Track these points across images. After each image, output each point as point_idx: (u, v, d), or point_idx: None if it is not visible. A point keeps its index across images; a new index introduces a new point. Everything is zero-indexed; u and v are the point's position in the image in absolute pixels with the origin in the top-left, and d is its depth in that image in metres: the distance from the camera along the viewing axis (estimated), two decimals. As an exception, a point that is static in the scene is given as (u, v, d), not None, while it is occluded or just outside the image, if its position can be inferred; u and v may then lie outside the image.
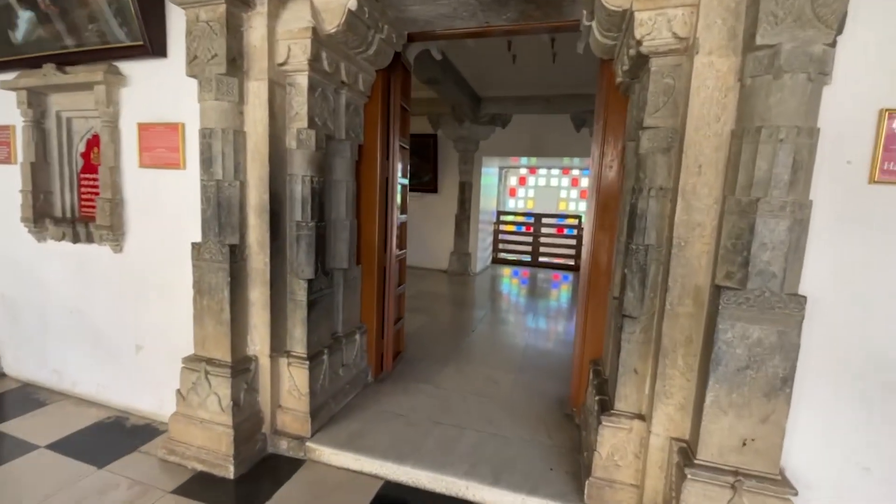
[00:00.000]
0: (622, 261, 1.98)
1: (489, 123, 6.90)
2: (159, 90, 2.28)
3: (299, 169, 2.23)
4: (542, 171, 11.53)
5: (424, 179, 7.36)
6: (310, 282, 2.29)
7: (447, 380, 3.03)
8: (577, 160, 8.51)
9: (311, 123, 2.21)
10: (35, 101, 2.54)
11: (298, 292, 2.30)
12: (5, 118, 2.61)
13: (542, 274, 8.09)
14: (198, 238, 2.13)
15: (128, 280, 2.49)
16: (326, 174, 2.48)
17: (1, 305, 2.89)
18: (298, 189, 2.23)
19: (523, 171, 11.60)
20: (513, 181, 11.59)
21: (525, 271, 8.23)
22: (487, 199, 7.99)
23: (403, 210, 3.30)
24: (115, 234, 2.42)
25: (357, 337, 2.78)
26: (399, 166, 3.05)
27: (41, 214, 2.63)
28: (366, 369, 2.92)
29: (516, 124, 6.84)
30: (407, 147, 3.25)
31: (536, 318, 4.83)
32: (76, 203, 2.68)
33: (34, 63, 2.34)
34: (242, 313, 2.19)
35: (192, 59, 2.00)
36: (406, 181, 3.31)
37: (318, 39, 2.10)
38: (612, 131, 2.41)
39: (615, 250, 2.26)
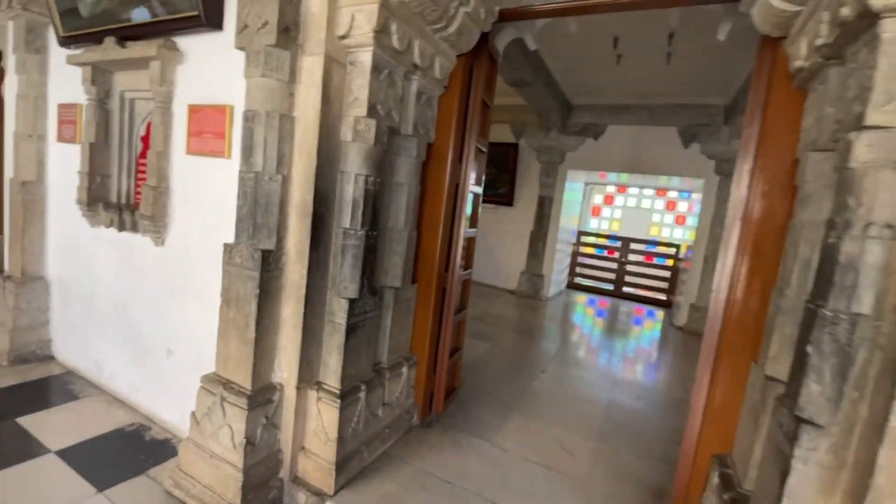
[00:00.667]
0: (787, 326, 1.31)
1: (579, 134, 6.21)
2: (212, 68, 2.02)
3: (353, 166, 1.83)
4: (633, 191, 10.44)
5: (500, 191, 6.83)
6: (352, 302, 1.88)
7: (508, 438, 2.45)
8: (675, 181, 7.46)
9: (373, 112, 1.81)
10: (100, 79, 2.44)
11: (338, 313, 1.89)
12: (74, 96, 2.55)
13: (623, 306, 7.14)
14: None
15: (166, 276, 2.27)
16: (386, 175, 2.07)
17: (57, 287, 2.86)
18: (350, 190, 1.83)
19: (610, 189, 10.60)
20: (597, 199, 10.64)
21: (603, 301, 7.33)
22: (568, 216, 7.26)
23: (473, 223, 2.81)
24: (156, 224, 2.21)
25: (404, 370, 2.33)
26: (473, 172, 2.57)
27: (96, 198, 2.52)
28: (411, 409, 2.44)
29: (610, 136, 6.08)
30: (485, 150, 2.77)
31: (619, 362, 4.06)
32: (132, 189, 2.55)
33: (98, 37, 2.22)
34: (271, 332, 1.83)
35: (241, 29, 1.69)
36: (480, 190, 2.82)
37: (388, 6, 1.69)
38: (773, 140, 1.72)
39: (773, 306, 1.57)
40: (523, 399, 2.99)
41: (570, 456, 2.34)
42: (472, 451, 2.27)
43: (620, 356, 4.25)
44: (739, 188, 1.86)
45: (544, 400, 3.02)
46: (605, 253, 8.57)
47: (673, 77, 4.88)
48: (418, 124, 2.12)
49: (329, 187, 1.82)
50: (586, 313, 6.36)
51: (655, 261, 8.11)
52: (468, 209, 2.59)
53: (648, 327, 5.96)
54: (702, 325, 6.07)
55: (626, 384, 3.52)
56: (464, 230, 2.53)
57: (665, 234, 10.25)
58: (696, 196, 7.08)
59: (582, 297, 7.42)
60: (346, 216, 1.84)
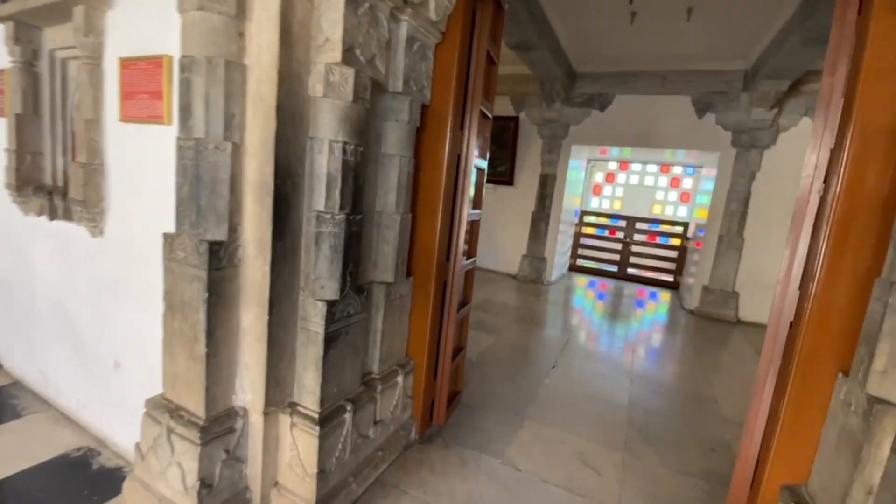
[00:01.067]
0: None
1: (584, 105, 5.76)
2: (147, 10, 1.58)
3: (327, 130, 1.42)
4: (636, 168, 10.02)
5: (500, 169, 6.40)
6: (331, 304, 1.49)
7: (522, 453, 2.12)
8: (680, 155, 7.06)
9: (350, 58, 1.39)
10: (24, 37, 1.99)
11: (314, 319, 1.50)
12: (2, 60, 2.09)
13: (629, 289, 6.83)
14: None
15: (107, 274, 1.87)
16: (371, 144, 1.66)
17: (-8, 286, 2.45)
18: (323, 162, 1.43)
19: (612, 167, 10.17)
20: (598, 177, 10.22)
21: (608, 283, 7.00)
22: (571, 196, 6.86)
23: (477, 204, 2.41)
24: (90, 211, 1.80)
25: (399, 379, 1.96)
26: (477, 143, 2.16)
27: (27, 180, 2.09)
28: (408, 424, 2.09)
29: (618, 107, 5.64)
30: (490, 116, 2.35)
31: (632, 352, 3.74)
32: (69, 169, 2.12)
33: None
34: (227, 346, 1.45)
35: (169, -56, 1.25)
36: (484, 164, 2.42)
37: None
38: (871, 88, 1.32)
39: (876, 303, 1.20)
40: (535, 402, 2.65)
41: (594, 473, 2.01)
42: (482, 473, 1.93)
43: (633, 345, 3.93)
44: (817, 152, 1.47)
45: (558, 401, 2.69)
46: (606, 233, 8.23)
47: (690, 38, 4.42)
48: (410, 79, 1.70)
49: (295, 158, 1.41)
50: (592, 298, 6.03)
51: (659, 240, 7.76)
52: (472, 188, 2.19)
53: (658, 311, 5.65)
54: (715, 309, 5.81)
55: (644, 378, 3.19)
56: (466, 212, 2.13)
57: (669, 213, 9.89)
58: (707, 171, 6.69)
59: (585, 280, 7.08)
60: (320, 196, 1.44)
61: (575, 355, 3.51)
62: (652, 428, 2.49)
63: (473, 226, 2.44)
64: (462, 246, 2.17)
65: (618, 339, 4.10)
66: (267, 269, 1.39)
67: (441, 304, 2.16)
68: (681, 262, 7.01)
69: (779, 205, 4.97)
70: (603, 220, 8.60)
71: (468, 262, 2.37)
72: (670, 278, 7.12)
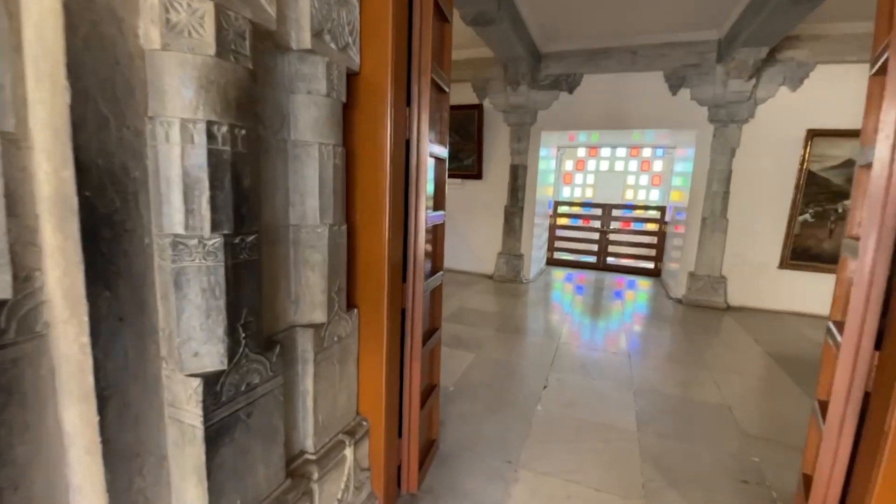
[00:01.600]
0: None
1: (552, 87, 5.34)
2: None
3: (176, 103, 0.87)
4: (605, 153, 9.76)
5: (466, 162, 5.91)
6: (213, 379, 0.95)
7: (520, 525, 1.63)
8: (649, 136, 6.79)
9: (206, -15, 0.84)
10: None
11: (186, 407, 0.95)
12: None
13: (609, 279, 6.50)
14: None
15: None
16: (272, 127, 1.12)
17: None
18: (174, 156, 0.88)
19: (581, 153, 9.87)
20: (568, 165, 9.91)
21: (588, 276, 6.65)
22: (544, 186, 6.46)
23: (439, 204, 1.90)
24: None
25: (348, 451, 1.43)
26: (432, 124, 1.65)
27: None
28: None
29: (588, 87, 5.24)
30: (447, 89, 1.84)
31: (628, 357, 3.33)
32: None
33: None
34: (40, 466, 0.88)
35: None
36: (445, 153, 1.91)
37: None
38: None
39: None
40: (528, 440, 2.17)
41: (615, 545, 1.54)
42: (470, 569, 1.43)
43: (626, 348, 3.52)
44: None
45: (556, 436, 2.22)
46: (581, 223, 7.91)
47: (660, 8, 4.05)
48: (325, 32, 1.17)
49: (122, 152, 0.86)
50: (574, 294, 5.64)
51: (634, 226, 7.48)
52: (429, 182, 1.68)
53: (644, 302, 5.31)
54: (703, 296, 5.47)
55: (648, 390, 2.78)
56: (424, 216, 1.62)
57: (642, 197, 9.70)
58: (681, 152, 6.42)
59: (564, 274, 6.71)
60: (175, 210, 0.89)
61: (566, 368, 3.06)
62: (670, 459, 2.06)
63: (437, 231, 1.93)
64: (423, 259, 1.66)
65: (610, 342, 3.69)
66: (86, 339, 0.83)
67: (401, 338, 1.64)
68: (660, 247, 6.74)
69: (762, 181, 4.71)
70: (577, 210, 8.28)
71: (434, 277, 1.85)
72: (651, 265, 6.84)
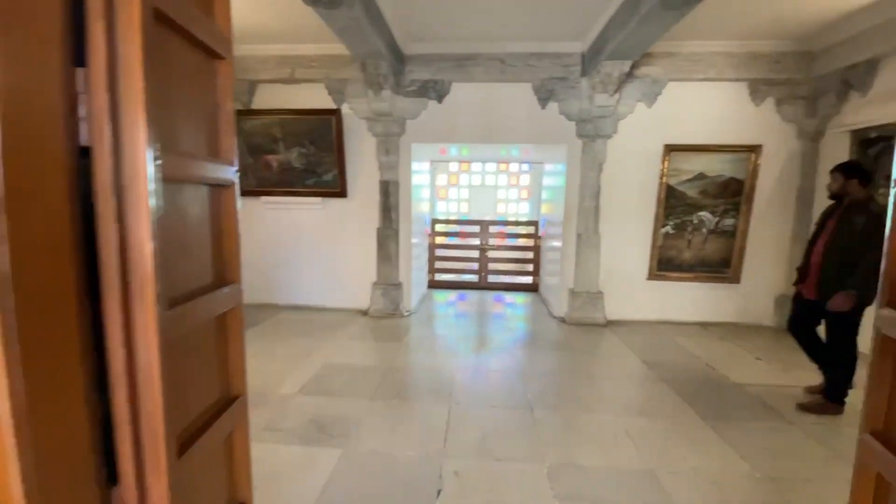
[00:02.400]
0: None
1: (419, 94, 4.74)
2: None
3: None
4: (476, 167, 9.66)
5: (326, 178, 4.96)
6: None
7: None
8: (515, 151, 6.74)
9: None
10: None
11: None
12: None
13: (491, 297, 6.18)
14: None
15: None
16: None
17: None
18: None
19: (454, 168, 9.63)
20: (442, 180, 9.58)
21: (466, 299, 6.22)
22: (420, 203, 5.85)
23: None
24: None
25: None
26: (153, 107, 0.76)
27: None
28: None
29: (458, 97, 4.78)
30: (224, 55, 0.96)
31: (536, 409, 2.80)
32: None
33: None
34: None
35: None
36: (229, 173, 1.02)
37: None
38: None
39: None
40: None
41: None
42: None
43: (527, 398, 3.00)
44: None
45: None
46: (457, 239, 7.54)
47: (526, 15, 3.75)
48: None
49: None
50: (459, 324, 5.08)
51: (508, 241, 7.37)
52: (151, 209, 0.79)
53: (530, 325, 5.01)
54: (585, 314, 5.31)
55: (564, 465, 2.23)
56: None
57: (513, 211, 9.84)
58: (550, 166, 6.43)
59: (447, 298, 6.17)
60: None
61: (465, 448, 2.37)
62: None
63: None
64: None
65: (507, 391, 3.13)
66: None
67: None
68: (536, 261, 6.67)
69: (629, 195, 4.77)
70: (457, 227, 7.89)
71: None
72: (529, 279, 6.72)
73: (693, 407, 2.87)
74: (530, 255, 6.80)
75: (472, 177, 9.70)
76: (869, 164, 3.62)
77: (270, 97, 4.90)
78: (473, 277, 6.77)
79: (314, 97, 4.81)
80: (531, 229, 6.89)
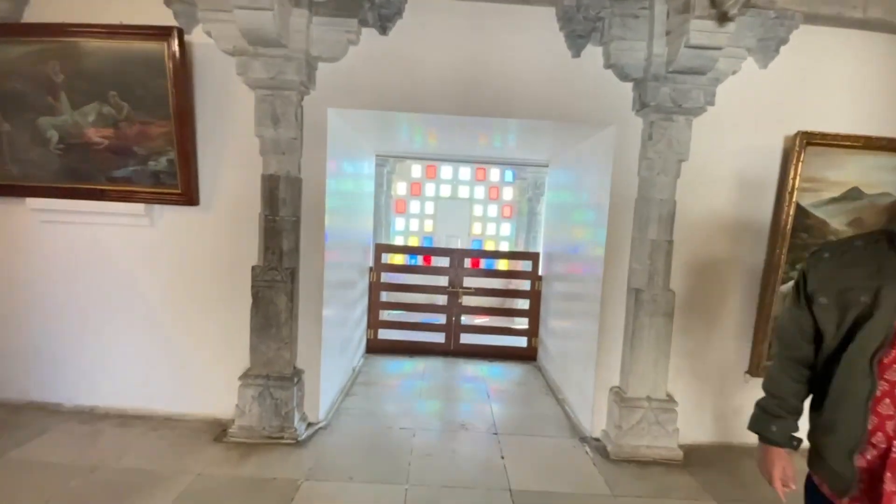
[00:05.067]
0: None
1: (345, 15, 2.42)
2: None
3: None
4: (446, 173, 7.41)
5: (153, 166, 2.52)
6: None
7: None
8: (512, 139, 4.59)
9: None
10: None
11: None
12: None
13: (466, 378, 3.87)
14: None
15: None
16: None
17: None
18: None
19: (417, 173, 7.32)
20: (401, 188, 7.27)
21: (421, 382, 3.88)
22: (351, 218, 3.49)
23: None
24: None
25: None
26: None
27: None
28: None
29: (418, 26, 2.52)
30: None
31: None
32: None
33: None
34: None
35: None
36: None
37: None
38: None
39: None
40: None
41: None
42: None
43: None
44: None
45: None
46: (417, 272, 5.21)
47: None
48: None
49: None
50: (413, 460, 2.70)
51: (486, 270, 5.09)
52: None
53: (546, 467, 2.72)
54: (645, 440, 2.11)
55: None
56: None
57: (491, 233, 7.64)
58: (560, 172, 4.24)
59: (393, 380, 3.80)
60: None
61: None
62: None
63: None
64: None
65: None
66: None
67: None
68: (535, 313, 4.42)
69: (719, 223, 2.64)
70: (412, 257, 5.61)
71: None
72: (523, 342, 4.44)
73: None
74: (525, 303, 4.55)
75: (440, 186, 7.45)
76: None
77: (56, 6, 2.47)
78: (439, 337, 4.41)
79: (139, 9, 2.41)
80: (527, 264, 4.61)
